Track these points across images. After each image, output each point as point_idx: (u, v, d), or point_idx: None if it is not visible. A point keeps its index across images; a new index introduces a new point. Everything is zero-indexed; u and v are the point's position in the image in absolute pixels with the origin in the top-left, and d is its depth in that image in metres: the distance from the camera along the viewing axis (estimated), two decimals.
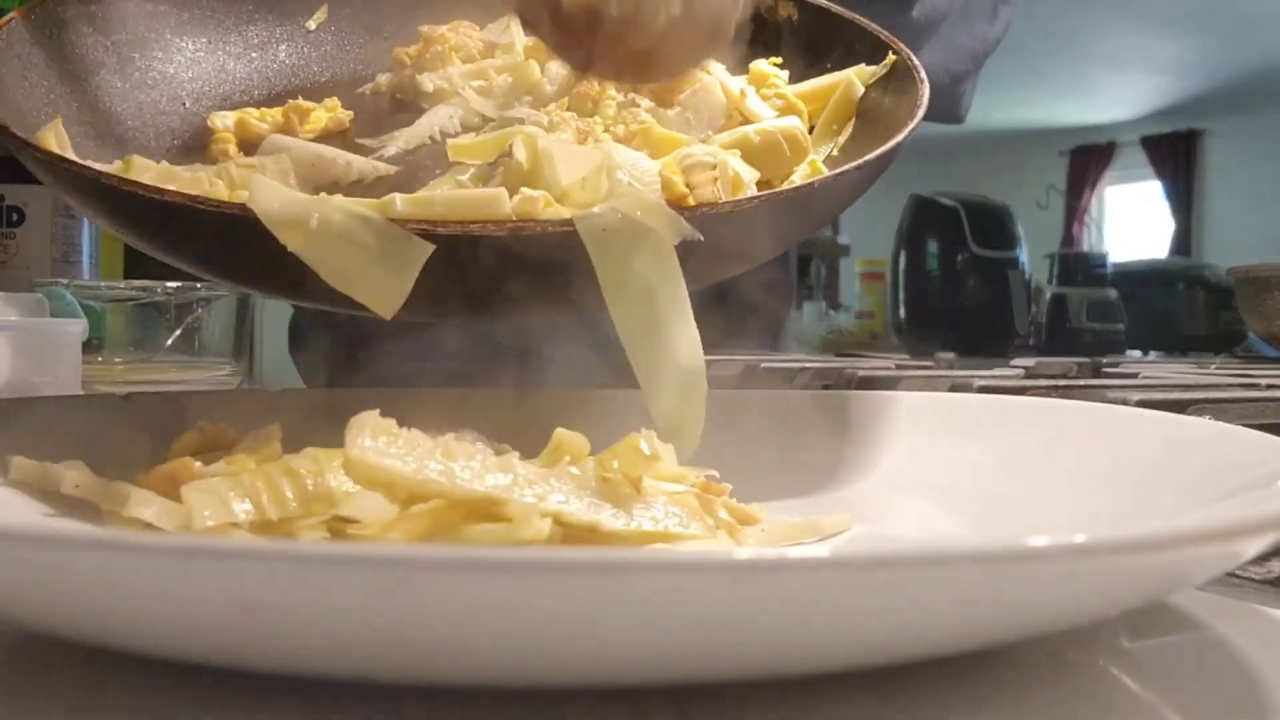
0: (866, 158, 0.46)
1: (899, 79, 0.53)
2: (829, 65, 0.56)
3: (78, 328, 0.65)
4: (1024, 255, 2.58)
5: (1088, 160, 6.14)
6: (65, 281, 0.85)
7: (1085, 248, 5.71)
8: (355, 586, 0.18)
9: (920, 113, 0.50)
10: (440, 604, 0.19)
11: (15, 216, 0.98)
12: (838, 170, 0.46)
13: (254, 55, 0.62)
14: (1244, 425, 0.38)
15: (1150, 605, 0.29)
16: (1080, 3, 3.80)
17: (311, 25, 0.65)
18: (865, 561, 0.19)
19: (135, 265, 1.22)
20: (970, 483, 0.42)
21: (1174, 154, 5.82)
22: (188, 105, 0.58)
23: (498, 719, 0.22)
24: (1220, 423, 0.41)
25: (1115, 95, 5.36)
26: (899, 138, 0.48)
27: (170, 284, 0.88)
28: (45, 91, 0.51)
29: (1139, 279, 2.97)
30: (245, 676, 0.23)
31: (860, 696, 0.24)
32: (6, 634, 0.27)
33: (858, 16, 0.57)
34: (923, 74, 0.52)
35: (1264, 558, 0.34)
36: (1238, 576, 0.35)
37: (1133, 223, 6.12)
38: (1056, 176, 6.15)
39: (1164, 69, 4.88)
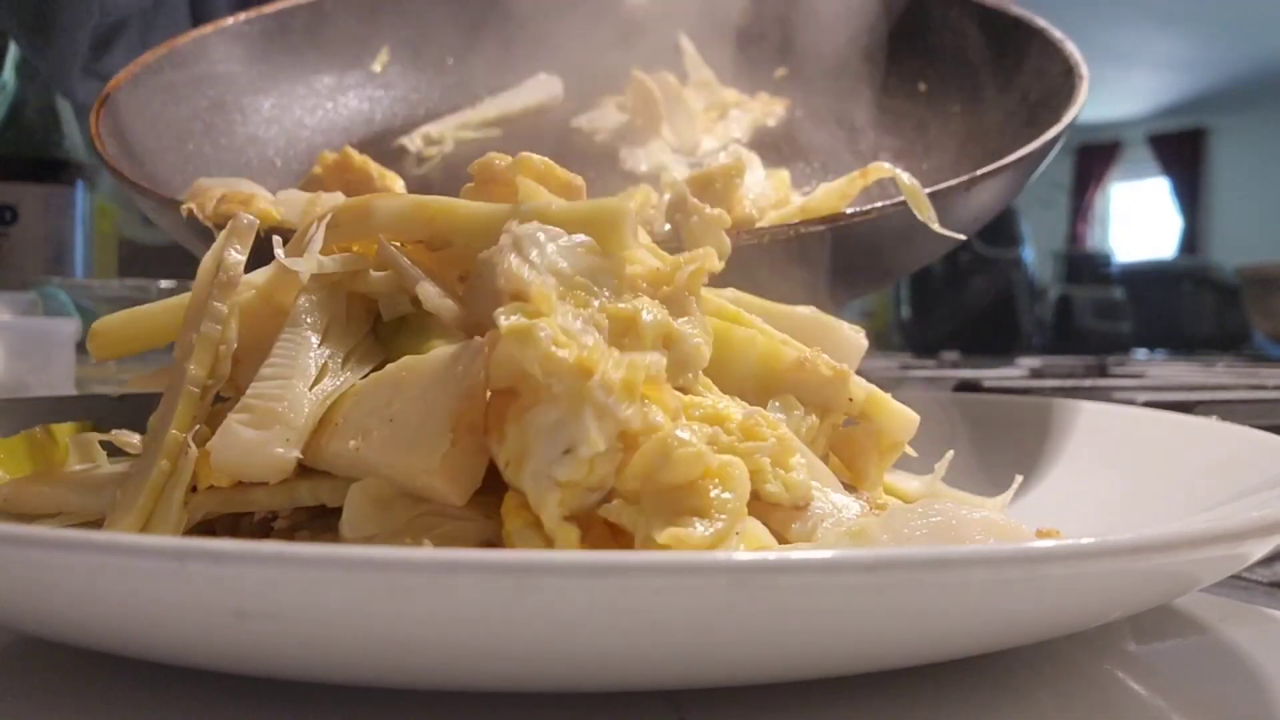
0: (1021, 152, 0.42)
1: (1046, 64, 0.49)
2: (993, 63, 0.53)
3: (71, 327, 0.65)
4: (1029, 254, 2.57)
5: (1093, 158, 6.13)
6: (58, 281, 0.85)
7: (1090, 246, 5.69)
8: (349, 590, 0.18)
9: (1079, 96, 0.45)
10: (436, 607, 0.18)
11: (8, 215, 0.98)
12: (992, 167, 0.42)
13: (327, 106, 0.62)
14: (1251, 426, 0.38)
15: (1156, 608, 0.29)
16: None
17: (377, 68, 0.64)
18: (868, 564, 0.19)
19: (128, 265, 1.22)
20: (970, 484, 0.42)
21: (1181, 152, 5.80)
22: (279, 165, 0.58)
23: None
24: (1228, 423, 0.40)
25: (1121, 92, 5.34)
26: (1059, 126, 0.43)
27: (164, 283, 0.88)
28: (152, 169, 0.51)
29: (1145, 278, 2.96)
30: (239, 680, 0.23)
31: (863, 699, 0.23)
32: (0, 637, 0.27)
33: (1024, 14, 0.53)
34: (1076, 59, 0.47)
35: (1271, 559, 0.34)
36: (1244, 579, 0.34)
37: (1139, 221, 6.11)
38: (1061, 174, 6.13)
39: (1171, 66, 4.86)
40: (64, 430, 0.36)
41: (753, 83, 0.62)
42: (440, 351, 0.28)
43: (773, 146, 0.57)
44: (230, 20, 0.61)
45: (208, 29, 0.61)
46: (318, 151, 0.57)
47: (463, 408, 0.26)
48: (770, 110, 0.60)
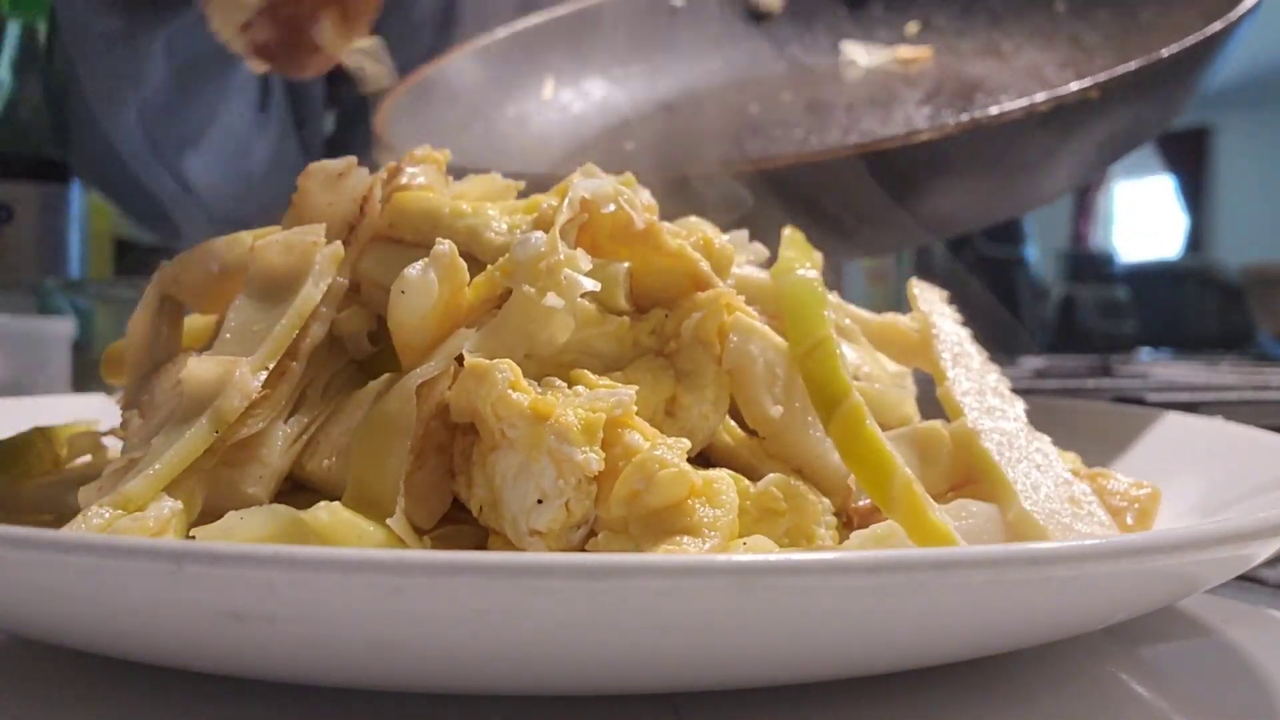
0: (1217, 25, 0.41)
1: None
2: None
3: (67, 327, 0.65)
4: (1032, 253, 2.57)
5: None
6: (54, 280, 0.85)
7: (1094, 245, 5.68)
8: (346, 592, 0.18)
9: None
10: (433, 609, 0.18)
11: (3, 214, 0.98)
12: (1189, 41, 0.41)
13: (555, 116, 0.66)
14: (1256, 426, 0.38)
15: (1160, 610, 0.29)
16: None
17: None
18: (871, 565, 0.19)
19: (124, 264, 1.22)
20: None
21: (1185, 150, 5.78)
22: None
23: None
24: (1232, 423, 0.40)
25: None
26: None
27: None
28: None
29: (1149, 277, 2.96)
30: (235, 682, 0.23)
31: (864, 700, 0.23)
32: (0, 637, 0.27)
33: None
34: None
35: (1276, 561, 0.34)
36: (1250, 580, 0.34)
37: (1143, 219, 6.09)
38: None
39: None
40: (61, 430, 0.36)
41: (888, 42, 0.65)
42: (401, 378, 0.28)
43: (936, 89, 0.59)
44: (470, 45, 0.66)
45: (445, 58, 0.65)
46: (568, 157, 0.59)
47: (421, 431, 0.26)
48: (919, 58, 0.62)
